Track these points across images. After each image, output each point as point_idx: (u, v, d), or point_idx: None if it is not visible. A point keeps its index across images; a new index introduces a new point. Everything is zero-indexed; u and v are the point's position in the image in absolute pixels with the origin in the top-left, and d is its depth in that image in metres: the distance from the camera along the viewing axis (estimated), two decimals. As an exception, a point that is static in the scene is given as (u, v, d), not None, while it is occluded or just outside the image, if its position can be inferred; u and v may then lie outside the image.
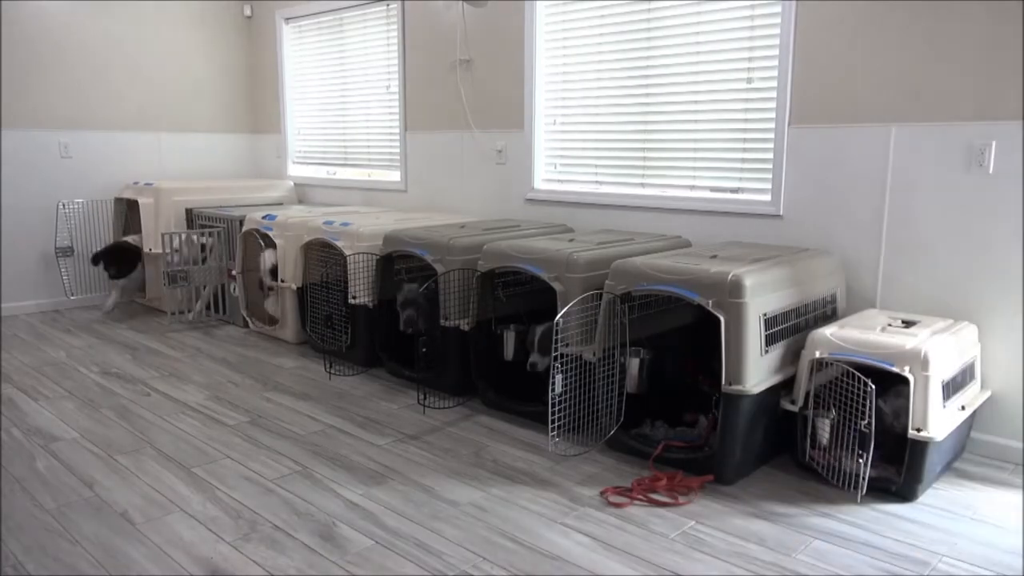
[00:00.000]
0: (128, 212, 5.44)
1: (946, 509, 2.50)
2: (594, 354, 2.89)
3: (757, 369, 2.63)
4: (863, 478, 2.50)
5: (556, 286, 3.06)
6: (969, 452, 2.95)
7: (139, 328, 4.83)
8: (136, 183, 5.36)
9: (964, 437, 2.88)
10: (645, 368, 3.00)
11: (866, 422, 2.46)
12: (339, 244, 4.02)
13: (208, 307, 5.03)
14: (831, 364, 2.65)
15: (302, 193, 5.94)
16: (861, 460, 2.50)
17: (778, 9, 3.26)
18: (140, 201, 5.15)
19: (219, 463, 2.83)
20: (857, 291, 3.18)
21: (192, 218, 5.21)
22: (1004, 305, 2.84)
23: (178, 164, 5.85)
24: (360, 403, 3.50)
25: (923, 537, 2.31)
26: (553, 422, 2.81)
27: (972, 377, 2.81)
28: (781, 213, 3.35)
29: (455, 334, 3.44)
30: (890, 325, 2.74)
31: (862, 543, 2.27)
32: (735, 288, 2.57)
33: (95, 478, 2.69)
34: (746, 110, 3.44)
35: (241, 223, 4.73)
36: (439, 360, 3.58)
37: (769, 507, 2.50)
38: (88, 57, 5.30)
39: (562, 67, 4.12)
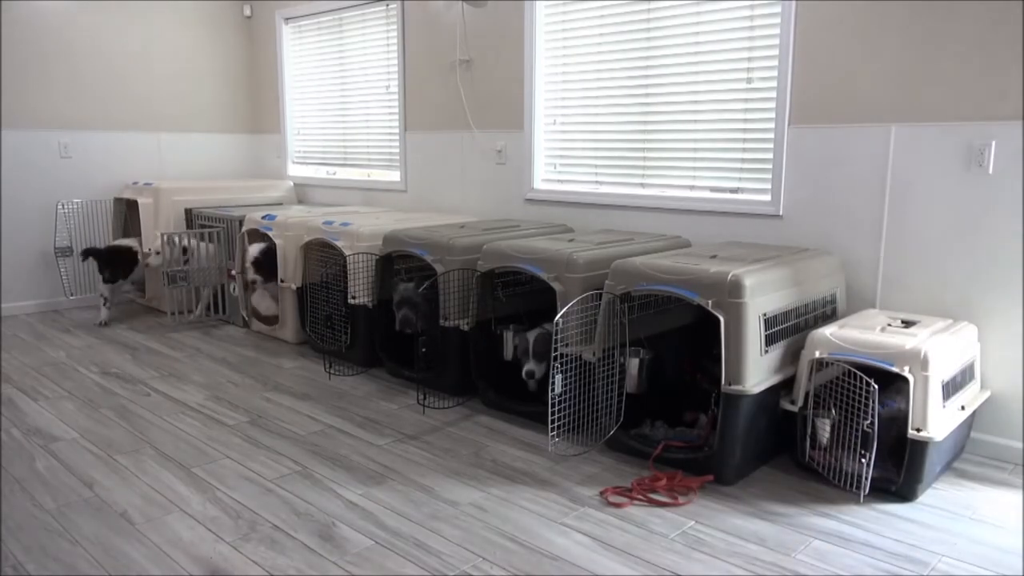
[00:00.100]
0: (128, 212, 5.44)
1: (946, 509, 2.50)
2: (594, 354, 2.89)
3: (757, 369, 2.63)
4: (866, 478, 2.50)
5: (556, 286, 3.06)
6: (969, 452, 2.95)
7: (139, 328, 4.83)
8: (136, 183, 5.36)
9: (964, 437, 2.88)
10: (645, 368, 3.00)
11: (869, 422, 2.46)
12: (339, 244, 4.02)
13: (208, 307, 5.03)
14: (831, 364, 2.65)
15: (302, 193, 5.94)
16: (864, 460, 2.50)
17: (778, 9, 3.26)
18: (139, 201, 5.15)
19: (219, 463, 2.83)
20: (857, 291, 3.18)
21: (192, 218, 5.21)
22: (1004, 305, 2.84)
23: (178, 164, 5.85)
24: (360, 403, 3.50)
25: (923, 537, 2.31)
26: (553, 422, 2.81)
27: (972, 377, 2.81)
28: (781, 213, 3.35)
29: (455, 334, 3.44)
30: (890, 325, 2.74)
31: (862, 543, 2.27)
32: (735, 288, 2.57)
33: (95, 478, 2.69)
34: (746, 110, 3.44)
35: (241, 223, 4.73)
36: (439, 360, 3.58)
37: (769, 507, 2.50)
38: (88, 57, 5.30)
39: (562, 67, 4.12)
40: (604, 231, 3.78)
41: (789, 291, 2.80)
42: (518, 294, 3.54)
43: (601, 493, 2.59)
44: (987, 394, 2.87)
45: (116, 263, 4.84)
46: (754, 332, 2.60)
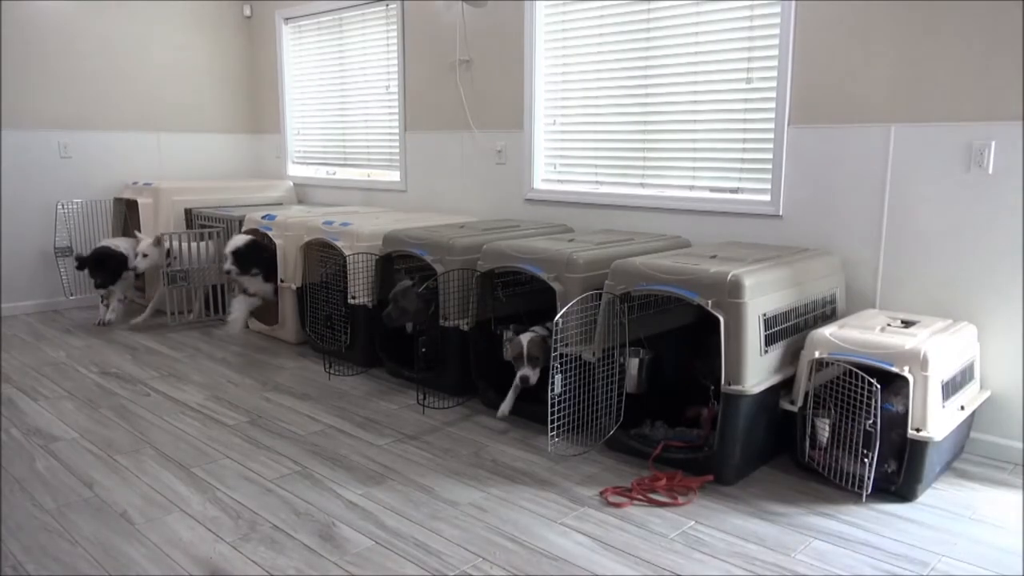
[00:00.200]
0: (127, 212, 5.44)
1: (946, 509, 2.50)
2: (593, 354, 2.89)
3: (757, 369, 2.63)
4: (868, 478, 2.50)
5: (556, 286, 3.06)
6: (969, 452, 2.95)
7: (138, 328, 4.82)
8: (135, 183, 5.36)
9: (964, 437, 2.88)
10: (645, 368, 3.00)
11: (871, 421, 2.46)
12: (339, 244, 4.02)
13: (208, 307, 5.03)
14: (831, 364, 2.65)
15: (302, 193, 5.94)
16: (866, 460, 2.50)
17: (778, 9, 3.26)
18: (139, 201, 5.15)
19: (219, 463, 2.83)
20: (857, 291, 3.18)
21: (192, 218, 5.21)
22: (1004, 305, 2.84)
23: (177, 164, 5.85)
24: (360, 403, 3.50)
25: (923, 537, 2.31)
26: (553, 422, 2.81)
27: (971, 377, 2.81)
28: (780, 213, 3.35)
29: (455, 334, 3.44)
30: (889, 325, 2.74)
31: (862, 543, 2.27)
32: (735, 288, 2.57)
33: (95, 478, 2.69)
34: (746, 110, 3.44)
35: (241, 223, 4.73)
36: (439, 360, 3.58)
37: (769, 507, 2.50)
38: (88, 57, 5.30)
39: (562, 67, 4.12)
40: (604, 231, 3.78)
41: (789, 291, 2.80)
42: (518, 294, 3.54)
43: (601, 493, 2.59)
44: (987, 394, 2.87)
45: (103, 268, 4.66)
46: (754, 332, 2.60)
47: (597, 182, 4.06)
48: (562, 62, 4.11)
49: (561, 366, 2.83)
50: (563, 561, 2.17)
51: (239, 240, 4.37)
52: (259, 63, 6.13)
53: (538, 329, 3.17)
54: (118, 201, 5.45)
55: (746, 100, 3.43)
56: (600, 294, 2.91)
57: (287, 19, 5.78)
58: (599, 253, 3.12)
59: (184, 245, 4.75)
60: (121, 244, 4.81)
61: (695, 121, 3.62)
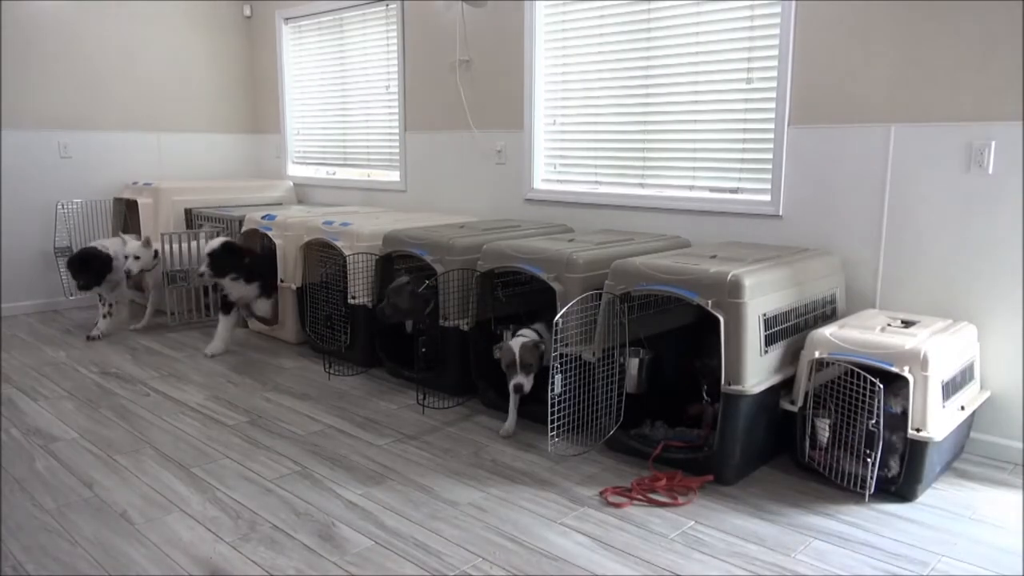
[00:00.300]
0: (127, 212, 5.44)
1: (946, 509, 2.50)
2: (593, 354, 2.89)
3: (757, 369, 2.63)
4: (871, 477, 2.50)
5: (556, 286, 3.06)
6: (969, 452, 2.95)
7: (141, 328, 4.82)
8: (135, 183, 5.36)
9: (964, 437, 2.88)
10: (645, 368, 3.00)
11: (874, 421, 2.46)
12: (339, 244, 4.02)
13: (208, 308, 5.02)
14: (831, 364, 2.65)
15: (302, 193, 5.94)
16: (869, 460, 2.50)
17: (778, 9, 3.26)
18: (139, 201, 5.15)
19: (218, 463, 2.83)
20: (857, 291, 3.18)
21: (191, 218, 5.21)
22: (1004, 305, 2.84)
23: (177, 164, 5.85)
24: (359, 403, 3.50)
25: (923, 537, 2.31)
26: (553, 422, 2.81)
27: (971, 377, 2.81)
28: (780, 213, 3.35)
29: (455, 334, 3.44)
30: (889, 325, 2.74)
31: (862, 543, 2.27)
32: (734, 288, 2.57)
33: (95, 478, 2.69)
34: (746, 110, 3.44)
35: (240, 223, 4.73)
36: (439, 360, 3.58)
37: (769, 507, 2.50)
38: (88, 57, 5.30)
39: (562, 67, 4.12)
40: (604, 231, 3.78)
41: (789, 291, 2.80)
42: (518, 294, 3.54)
43: (601, 493, 2.59)
44: (987, 394, 2.87)
45: (87, 269, 4.43)
46: (754, 332, 2.60)
47: (597, 182, 4.06)
48: (562, 62, 4.11)
49: (561, 366, 2.82)
50: (563, 561, 2.17)
51: (215, 242, 4.19)
52: (259, 63, 6.13)
53: (528, 333, 3.09)
54: (118, 201, 5.45)
55: (746, 100, 3.43)
56: (600, 294, 2.91)
57: (287, 19, 5.78)
58: (599, 253, 3.12)
59: (182, 246, 4.74)
60: (110, 245, 4.61)
61: (695, 121, 3.62)
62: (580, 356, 2.91)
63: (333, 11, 5.38)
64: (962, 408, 2.68)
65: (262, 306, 4.42)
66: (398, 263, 3.87)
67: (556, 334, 2.76)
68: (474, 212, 4.65)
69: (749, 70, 3.41)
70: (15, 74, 5.02)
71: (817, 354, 2.64)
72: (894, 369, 2.48)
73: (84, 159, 5.35)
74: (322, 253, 4.25)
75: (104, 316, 4.63)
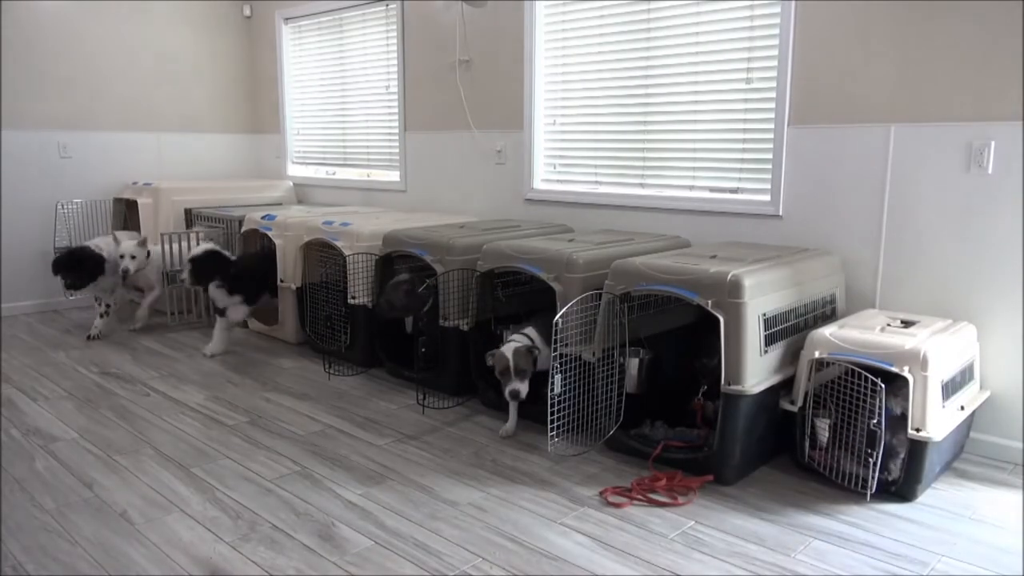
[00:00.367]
0: (127, 212, 5.44)
1: (945, 509, 2.50)
2: (593, 354, 2.89)
3: (756, 369, 2.63)
4: (873, 477, 2.50)
5: (555, 286, 3.06)
6: (968, 452, 2.95)
7: (138, 328, 4.82)
8: (135, 183, 5.36)
9: (963, 437, 2.88)
10: (644, 368, 3.00)
11: (876, 421, 2.46)
12: (339, 244, 4.02)
13: (208, 308, 5.01)
14: (831, 364, 2.65)
15: (301, 193, 5.94)
16: (871, 459, 2.50)
17: (778, 9, 3.26)
18: (139, 201, 5.15)
19: (218, 463, 2.83)
20: (856, 291, 3.18)
21: (191, 218, 5.21)
22: (1003, 305, 2.84)
23: (177, 164, 5.85)
24: (359, 403, 3.50)
25: (922, 537, 2.31)
26: (553, 422, 2.81)
27: (971, 377, 2.81)
28: (780, 213, 3.35)
29: (455, 334, 3.44)
30: (889, 325, 2.74)
31: (862, 543, 2.27)
32: (734, 288, 2.57)
33: (94, 478, 2.69)
34: (745, 110, 3.44)
35: (241, 223, 4.73)
36: (439, 360, 3.58)
37: (768, 507, 2.50)
38: (88, 57, 5.30)
39: (562, 67, 4.12)
40: (604, 231, 3.78)
41: (789, 291, 2.80)
42: (518, 294, 3.54)
43: (601, 493, 2.59)
44: (987, 394, 2.87)
45: (77, 268, 4.30)
46: (754, 332, 2.60)
47: (597, 182, 4.06)
48: (562, 62, 4.11)
49: (561, 366, 2.82)
50: (563, 561, 2.17)
51: (198, 249, 4.10)
52: (259, 63, 6.13)
53: (520, 339, 3.04)
54: (118, 201, 5.45)
55: (746, 100, 3.43)
56: (600, 294, 2.91)
57: (287, 19, 5.78)
58: (599, 253, 3.12)
59: (182, 246, 4.74)
60: (103, 246, 4.50)
61: (695, 121, 3.62)
62: (580, 356, 2.91)
63: (333, 11, 5.38)
64: (962, 408, 2.68)
65: (237, 312, 4.23)
66: (398, 263, 3.87)
67: (556, 334, 2.76)
68: (474, 212, 4.65)
69: (749, 70, 3.41)
70: (15, 74, 5.02)
71: (817, 354, 2.64)
72: (894, 369, 2.48)
73: (84, 159, 5.35)
74: (322, 253, 4.25)
75: (101, 316, 4.61)
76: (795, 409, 2.71)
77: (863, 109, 3.07)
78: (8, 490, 2.60)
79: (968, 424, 2.85)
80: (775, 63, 3.30)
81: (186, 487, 2.63)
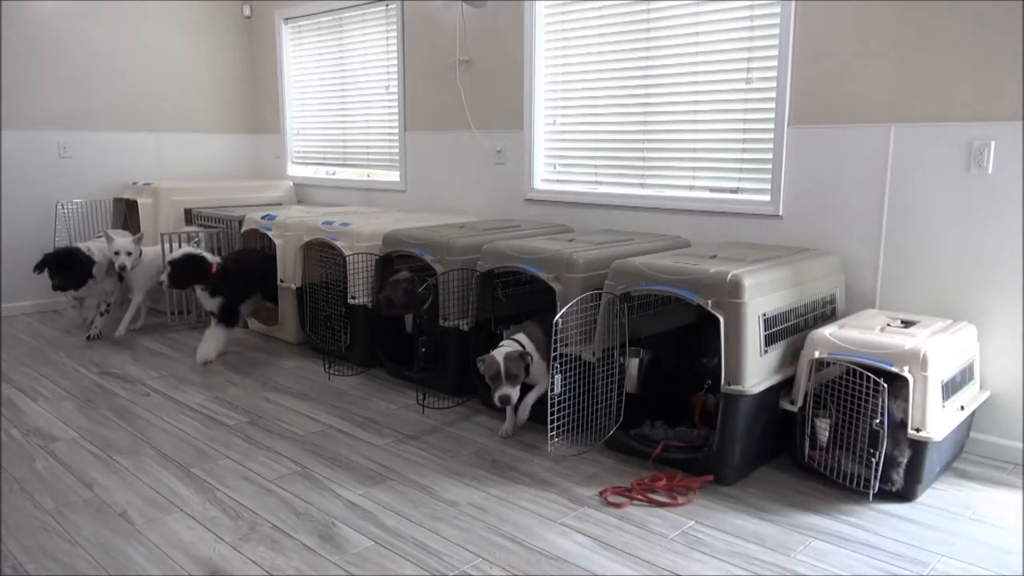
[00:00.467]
0: (127, 212, 5.44)
1: (945, 509, 2.50)
2: (593, 354, 2.89)
3: (756, 369, 2.63)
4: (875, 477, 2.50)
5: (555, 286, 3.06)
6: (968, 452, 2.95)
7: (138, 328, 4.82)
8: (135, 183, 5.36)
9: (963, 437, 2.88)
10: (644, 368, 3.00)
11: (878, 420, 2.45)
12: (339, 244, 4.02)
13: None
14: (831, 364, 2.65)
15: (301, 193, 5.94)
16: (873, 459, 2.50)
17: (778, 9, 3.26)
18: (139, 201, 5.15)
19: (218, 463, 2.83)
20: (856, 291, 3.18)
21: (191, 218, 5.21)
22: (1004, 305, 2.84)
23: (177, 164, 5.85)
24: (359, 403, 3.50)
25: (922, 537, 2.31)
26: (553, 422, 2.80)
27: (971, 377, 2.81)
28: (780, 213, 3.35)
29: (455, 334, 3.44)
30: (889, 325, 2.74)
31: (862, 543, 2.27)
32: (734, 288, 2.57)
33: (94, 478, 2.69)
34: (745, 110, 3.44)
35: (240, 223, 4.73)
36: (439, 360, 3.58)
37: (768, 507, 2.50)
38: (87, 57, 5.30)
39: (562, 67, 4.12)
40: (604, 231, 3.78)
41: (789, 291, 2.80)
42: (518, 294, 3.54)
43: (601, 493, 2.59)
44: (987, 394, 2.87)
45: (66, 269, 4.19)
46: (754, 332, 2.60)
47: (597, 182, 4.06)
48: (562, 62, 4.11)
49: (561, 366, 2.82)
50: (563, 561, 2.17)
51: (178, 252, 4.01)
52: (259, 63, 6.13)
53: (509, 344, 2.98)
54: (118, 201, 5.45)
55: (746, 100, 3.43)
56: (600, 294, 2.91)
57: (287, 19, 5.78)
58: (599, 253, 3.12)
59: (182, 246, 4.74)
60: (95, 249, 4.40)
61: (695, 121, 3.62)
62: (580, 356, 2.91)
63: (333, 11, 5.38)
64: (962, 408, 2.68)
65: (211, 303, 4.11)
66: (398, 263, 3.87)
67: (556, 334, 2.76)
68: (474, 212, 4.65)
69: (749, 70, 3.41)
70: (15, 74, 5.02)
71: (817, 354, 2.64)
72: (894, 369, 2.48)
73: (84, 159, 5.35)
74: (322, 253, 4.25)
75: (100, 315, 4.61)
76: (795, 409, 2.71)
77: (863, 109, 3.07)
78: (8, 490, 2.60)
79: (968, 424, 2.85)
80: (775, 63, 3.30)
81: (186, 487, 2.63)
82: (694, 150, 3.64)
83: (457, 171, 4.72)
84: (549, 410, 2.79)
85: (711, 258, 2.87)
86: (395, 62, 5.00)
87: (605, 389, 2.91)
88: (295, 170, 6.02)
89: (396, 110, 5.06)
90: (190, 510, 2.46)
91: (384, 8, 5.03)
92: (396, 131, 5.09)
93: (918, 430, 2.46)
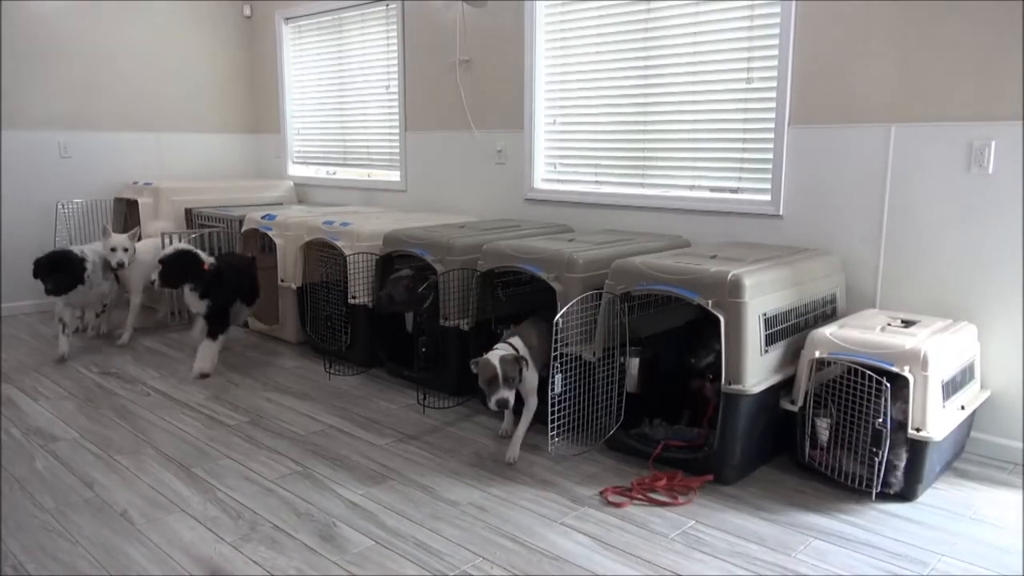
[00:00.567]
0: (128, 212, 5.44)
1: (946, 509, 2.50)
2: (594, 354, 2.89)
3: (757, 369, 2.63)
4: (878, 476, 2.50)
5: (556, 286, 3.06)
6: (969, 452, 2.95)
7: (138, 328, 4.82)
8: (135, 183, 5.36)
9: (964, 437, 2.88)
10: (645, 368, 3.00)
11: (881, 420, 2.46)
12: (339, 244, 4.02)
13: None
14: (831, 363, 2.65)
15: (302, 193, 5.94)
16: (876, 459, 2.50)
17: (778, 9, 3.26)
18: (139, 201, 5.15)
19: (219, 463, 2.83)
20: (857, 291, 3.18)
21: (192, 218, 5.22)
22: (1004, 305, 2.84)
23: (177, 164, 5.85)
24: (360, 403, 3.50)
25: (923, 537, 2.31)
26: (553, 422, 2.81)
27: (971, 377, 2.81)
28: (781, 213, 3.35)
29: (455, 334, 3.44)
30: (889, 325, 2.74)
31: (862, 542, 2.27)
32: (735, 288, 2.57)
33: (95, 478, 2.69)
34: (745, 110, 3.44)
35: (241, 223, 4.73)
36: (439, 360, 3.58)
37: (769, 507, 2.50)
38: (88, 57, 5.30)
39: (562, 67, 4.12)
40: (604, 231, 3.78)
41: (789, 291, 2.80)
42: (518, 294, 3.54)
43: (601, 493, 2.59)
44: (987, 394, 2.87)
45: (59, 272, 3.99)
46: (754, 332, 2.61)
47: (597, 182, 4.06)
48: (562, 62, 4.11)
49: (561, 366, 2.82)
50: (563, 561, 2.17)
51: (169, 249, 3.84)
52: (259, 63, 6.13)
53: (502, 347, 2.90)
54: (118, 201, 5.45)
55: (746, 100, 3.43)
56: (600, 294, 2.91)
57: (287, 19, 5.78)
58: (599, 253, 3.12)
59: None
60: (88, 252, 4.20)
61: (695, 121, 3.62)
62: (580, 356, 2.91)
63: (333, 11, 5.38)
64: (962, 408, 2.68)
65: (199, 305, 3.93)
66: (398, 263, 3.87)
67: (556, 334, 2.76)
68: (474, 212, 4.65)
69: (749, 70, 3.41)
70: (15, 74, 5.02)
71: (817, 354, 2.64)
72: (894, 369, 2.48)
73: (84, 159, 5.35)
74: (322, 253, 4.25)
75: (96, 315, 4.59)
76: (795, 409, 2.71)
77: (863, 109, 3.08)
78: (8, 490, 2.60)
79: (968, 424, 2.85)
80: (775, 63, 3.30)
81: (187, 487, 2.63)
82: (694, 150, 3.64)
83: (457, 171, 4.72)
84: (549, 410, 2.79)
85: (711, 258, 2.87)
86: (395, 62, 5.00)
87: (605, 389, 2.91)
88: (295, 170, 6.02)
89: (396, 110, 5.06)
90: (191, 510, 2.46)
91: (384, 8, 5.03)
92: (396, 131, 5.09)
93: (918, 430, 2.46)
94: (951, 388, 2.60)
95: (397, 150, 5.11)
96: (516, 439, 2.91)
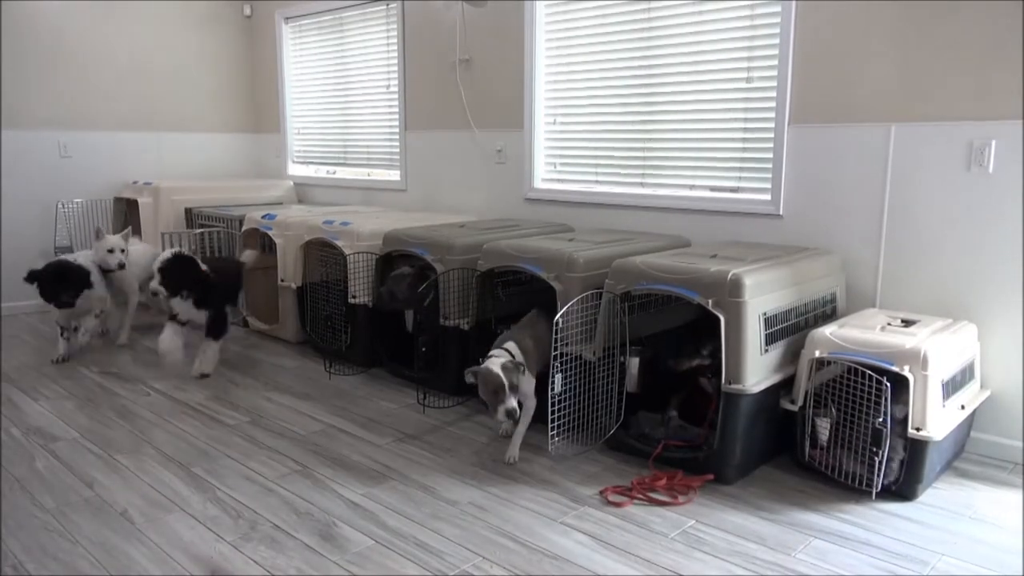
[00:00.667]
0: (128, 212, 5.44)
1: (946, 508, 2.50)
2: (594, 354, 2.89)
3: (757, 368, 2.63)
4: (878, 476, 2.50)
5: (556, 285, 3.06)
6: (969, 451, 2.95)
7: (138, 328, 4.82)
8: (135, 183, 5.36)
9: (964, 436, 2.88)
10: (645, 367, 2.99)
11: (881, 419, 2.46)
12: (339, 244, 4.02)
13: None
14: (831, 363, 2.65)
15: (302, 193, 5.94)
16: (876, 458, 2.50)
17: (778, 9, 3.26)
18: (139, 201, 5.15)
19: (219, 463, 2.83)
20: (857, 290, 3.18)
21: (192, 218, 5.22)
22: (1004, 305, 2.84)
23: (177, 164, 5.85)
24: (360, 403, 3.50)
25: (923, 536, 2.31)
26: (553, 422, 2.80)
27: (971, 376, 2.81)
28: (781, 213, 3.35)
29: (455, 334, 3.44)
30: (889, 324, 2.74)
31: (862, 542, 2.27)
32: (735, 287, 2.57)
33: (95, 478, 2.69)
34: (746, 110, 3.44)
35: (241, 223, 4.73)
36: (439, 360, 3.58)
37: (769, 506, 2.50)
38: (88, 57, 5.30)
39: (562, 67, 4.12)
40: (604, 231, 3.78)
41: (789, 291, 2.80)
42: (518, 294, 3.54)
43: (601, 492, 2.59)
44: (987, 393, 2.87)
45: (64, 281, 3.91)
46: (754, 331, 2.61)
47: (597, 182, 4.06)
48: (562, 62, 4.11)
49: (561, 366, 2.82)
50: (563, 560, 2.17)
51: (165, 254, 3.69)
52: (259, 63, 6.13)
53: (498, 353, 2.83)
54: (118, 201, 5.45)
55: (746, 100, 3.43)
56: (600, 293, 2.91)
57: (287, 19, 5.78)
58: (599, 252, 3.12)
59: (182, 246, 4.74)
60: (82, 260, 4.13)
61: (695, 120, 3.62)
62: (580, 356, 2.91)
63: (333, 11, 5.38)
64: (962, 407, 2.68)
65: (197, 315, 3.83)
66: (398, 263, 3.87)
67: (556, 334, 2.76)
68: (474, 211, 4.65)
69: (749, 70, 3.41)
70: (15, 74, 5.02)
71: (817, 353, 2.64)
72: (894, 368, 2.48)
73: (84, 159, 5.35)
74: (322, 252, 4.25)
75: (95, 316, 4.53)
76: (795, 408, 2.71)
77: (863, 108, 3.08)
78: (8, 490, 2.60)
79: (968, 423, 2.85)
80: (775, 63, 3.30)
81: (187, 487, 2.63)
82: (694, 149, 3.64)
83: (457, 170, 4.72)
84: (550, 410, 2.79)
85: (711, 257, 2.87)
86: (395, 61, 5.00)
87: (605, 389, 2.91)
88: (295, 169, 6.02)
89: (396, 109, 5.06)
90: (191, 509, 2.46)
91: (384, 7, 5.03)
92: (396, 130, 5.09)
93: (918, 429, 2.46)
94: (951, 387, 2.60)
95: (397, 150, 5.11)
96: (516, 439, 2.91)
